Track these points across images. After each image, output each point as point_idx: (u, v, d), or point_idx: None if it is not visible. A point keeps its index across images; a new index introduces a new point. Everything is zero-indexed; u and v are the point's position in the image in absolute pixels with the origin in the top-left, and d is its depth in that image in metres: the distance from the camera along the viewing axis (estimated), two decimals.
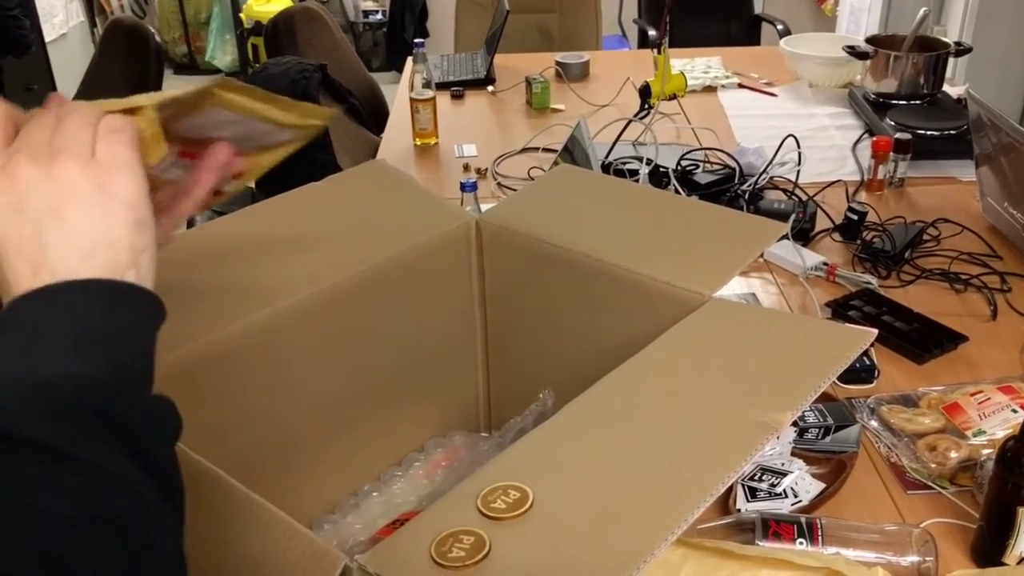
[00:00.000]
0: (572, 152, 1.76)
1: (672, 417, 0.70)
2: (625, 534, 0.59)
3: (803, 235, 1.61)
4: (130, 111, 0.54)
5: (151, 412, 0.49)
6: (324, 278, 0.91)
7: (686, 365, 0.77)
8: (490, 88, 2.47)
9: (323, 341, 0.92)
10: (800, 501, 1.02)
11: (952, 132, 1.92)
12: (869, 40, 2.22)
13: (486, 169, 1.97)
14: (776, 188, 1.78)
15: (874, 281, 1.48)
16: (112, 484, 0.44)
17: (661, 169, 1.79)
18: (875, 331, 0.77)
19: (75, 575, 0.41)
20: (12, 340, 0.46)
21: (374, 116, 2.66)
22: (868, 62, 2.16)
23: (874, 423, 1.15)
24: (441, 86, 2.41)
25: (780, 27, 3.43)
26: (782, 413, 0.67)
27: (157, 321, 0.52)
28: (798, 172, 1.78)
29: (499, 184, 1.91)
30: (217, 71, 5.11)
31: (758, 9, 3.85)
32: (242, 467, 0.69)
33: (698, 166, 1.84)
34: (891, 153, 1.80)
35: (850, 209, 1.63)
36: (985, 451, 1.06)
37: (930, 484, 1.06)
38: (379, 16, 5.18)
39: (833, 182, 1.83)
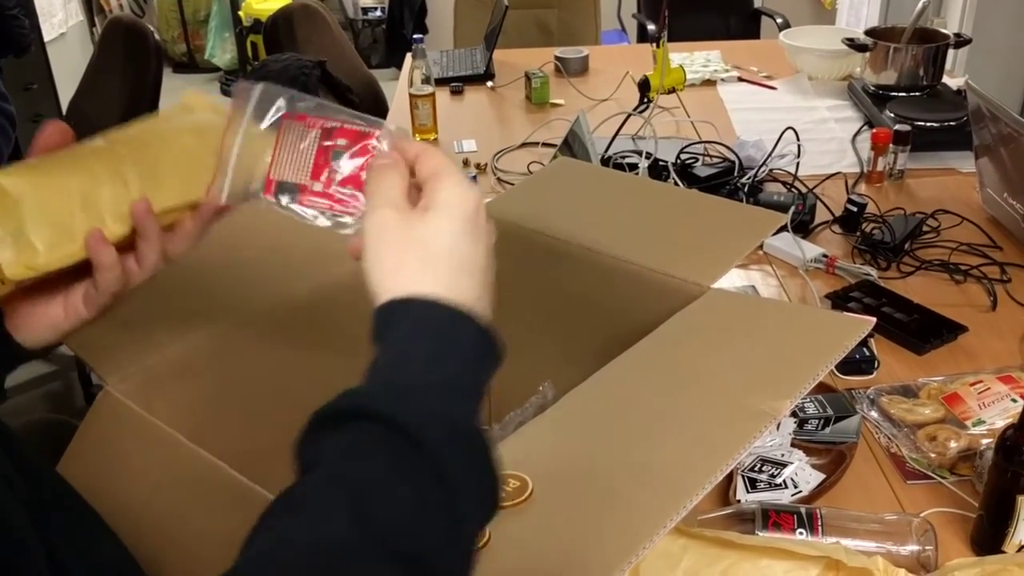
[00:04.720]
0: (572, 146, 1.77)
1: (671, 406, 0.70)
2: (624, 522, 0.60)
3: (803, 227, 1.61)
4: None
5: (498, 490, 0.52)
6: (323, 271, 0.91)
7: (685, 355, 0.77)
8: (489, 83, 2.47)
9: (324, 333, 0.93)
10: (800, 491, 1.02)
11: (952, 123, 1.92)
12: (868, 32, 2.22)
13: (486, 164, 1.97)
14: (776, 181, 1.78)
15: (874, 273, 1.48)
16: (440, 479, 0.48)
17: (661, 163, 1.79)
18: (873, 319, 0.77)
19: (382, 526, 0.45)
20: (424, 345, 0.52)
21: (373, 113, 2.65)
22: (867, 54, 2.16)
23: (874, 414, 1.15)
24: (440, 82, 2.41)
25: (779, 21, 3.42)
26: (781, 401, 0.68)
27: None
28: (797, 164, 1.78)
29: (499, 179, 1.91)
30: (216, 69, 5.11)
31: (757, 3, 3.84)
32: (245, 460, 0.70)
33: (697, 159, 1.84)
34: (891, 145, 1.80)
35: (850, 201, 1.63)
36: (985, 441, 1.06)
37: (930, 474, 1.06)
38: (378, 13, 5.18)
39: (832, 174, 1.83)
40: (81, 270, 0.64)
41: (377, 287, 0.55)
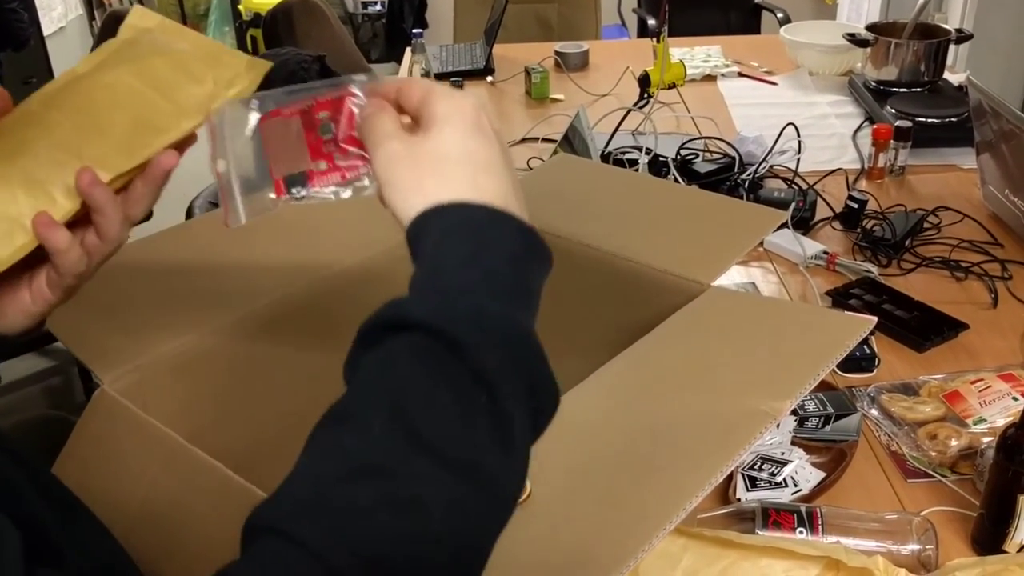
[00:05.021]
0: (572, 142, 1.76)
1: (671, 406, 0.70)
2: (624, 523, 0.59)
3: (803, 224, 1.61)
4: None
5: (553, 388, 0.51)
6: (322, 268, 0.91)
7: (684, 354, 0.77)
8: (489, 78, 2.46)
9: (320, 331, 0.92)
10: (800, 490, 1.02)
11: (953, 119, 1.92)
12: (869, 27, 2.21)
13: None
14: (776, 177, 1.77)
15: (874, 269, 1.47)
16: (490, 397, 0.47)
17: (661, 158, 1.78)
18: (874, 319, 0.77)
19: (423, 432, 0.45)
20: (458, 247, 0.51)
21: None
22: (868, 50, 2.15)
23: (874, 412, 1.15)
24: (440, 76, 2.40)
25: (780, 15, 3.41)
26: (781, 401, 0.67)
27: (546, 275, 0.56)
28: (798, 161, 1.77)
29: None
30: None
31: None
32: (241, 458, 0.69)
33: (698, 155, 1.83)
34: (891, 141, 1.79)
35: (850, 197, 1.62)
36: (985, 439, 1.05)
37: (930, 472, 1.06)
38: (378, 7, 5.16)
39: (833, 170, 1.82)
40: (43, 252, 0.61)
41: (401, 211, 0.55)
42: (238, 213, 0.62)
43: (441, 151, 0.55)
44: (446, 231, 0.52)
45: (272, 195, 0.62)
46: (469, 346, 0.47)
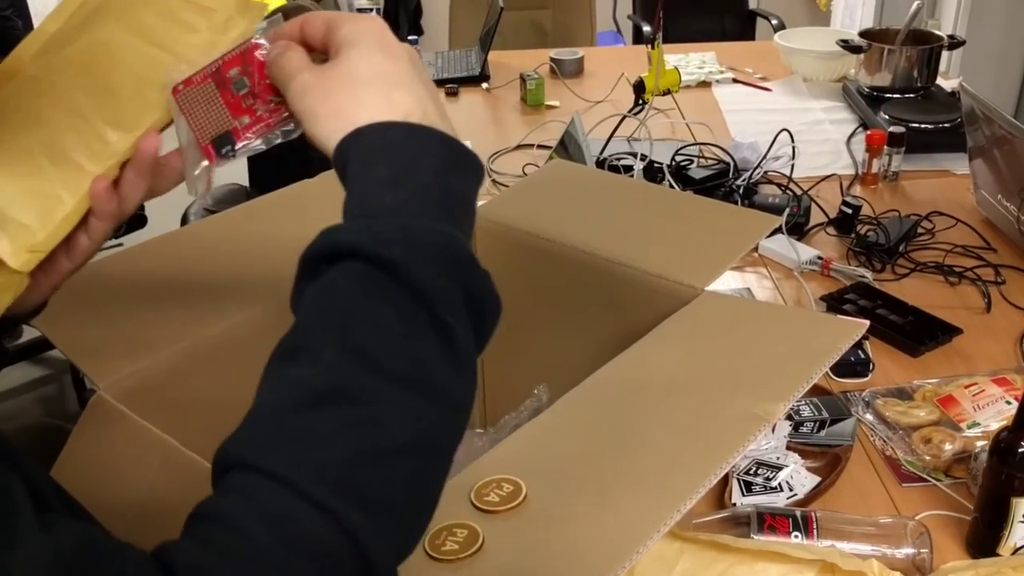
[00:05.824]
0: (567, 148, 1.77)
1: (665, 409, 0.70)
2: (618, 526, 0.59)
3: (797, 229, 1.61)
4: None
5: (491, 293, 0.52)
6: None
7: (679, 358, 0.77)
8: (484, 85, 2.47)
9: None
10: (795, 495, 1.02)
11: (946, 125, 1.93)
12: (863, 34, 2.22)
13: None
14: (771, 183, 1.78)
15: (868, 275, 1.48)
16: (433, 323, 0.48)
17: (656, 165, 1.79)
18: (867, 322, 0.77)
19: (372, 353, 0.47)
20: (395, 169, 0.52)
21: None
22: (862, 56, 2.16)
23: (869, 416, 1.15)
24: (436, 83, 2.40)
25: (775, 22, 3.42)
26: (775, 404, 0.68)
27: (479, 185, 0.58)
28: (792, 166, 1.78)
29: (494, 181, 1.91)
30: None
31: (753, 4, 3.85)
32: None
33: (693, 161, 1.84)
34: (885, 146, 1.80)
35: (844, 203, 1.63)
36: (979, 443, 1.06)
37: (925, 476, 1.06)
38: (373, 14, 5.18)
39: (827, 176, 1.83)
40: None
41: (323, 141, 0.55)
42: (198, 191, 0.63)
43: (351, 73, 0.55)
44: (368, 154, 0.53)
45: (205, 163, 0.62)
46: (402, 265, 0.48)
